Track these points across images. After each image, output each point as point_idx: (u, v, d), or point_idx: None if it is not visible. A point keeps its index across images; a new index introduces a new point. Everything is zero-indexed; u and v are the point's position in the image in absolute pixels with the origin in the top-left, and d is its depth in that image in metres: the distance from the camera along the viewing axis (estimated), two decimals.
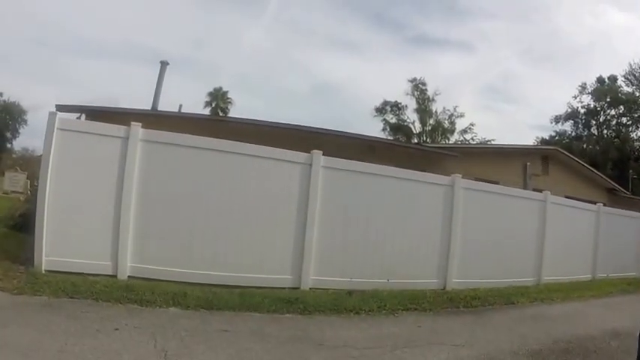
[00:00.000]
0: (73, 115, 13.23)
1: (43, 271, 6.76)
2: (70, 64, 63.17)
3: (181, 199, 7.58)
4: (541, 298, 9.95)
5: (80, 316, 5.48)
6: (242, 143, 8.06)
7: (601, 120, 52.73)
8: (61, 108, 12.09)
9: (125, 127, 7.34)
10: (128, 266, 7.19)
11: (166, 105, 22.87)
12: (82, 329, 5.06)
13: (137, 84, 54.12)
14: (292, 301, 7.05)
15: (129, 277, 7.13)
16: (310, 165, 8.36)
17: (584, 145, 50.11)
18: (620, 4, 78.26)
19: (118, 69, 64.63)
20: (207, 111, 44.87)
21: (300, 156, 8.42)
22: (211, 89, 48.99)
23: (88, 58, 63.22)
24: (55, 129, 6.99)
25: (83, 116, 13.71)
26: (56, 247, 6.90)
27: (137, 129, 7.36)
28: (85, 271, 6.84)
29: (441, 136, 51.74)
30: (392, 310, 7.46)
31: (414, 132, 52.33)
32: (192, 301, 6.48)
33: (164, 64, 22.74)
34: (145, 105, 20.63)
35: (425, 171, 10.55)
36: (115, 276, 7.04)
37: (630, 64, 50.55)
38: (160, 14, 65.35)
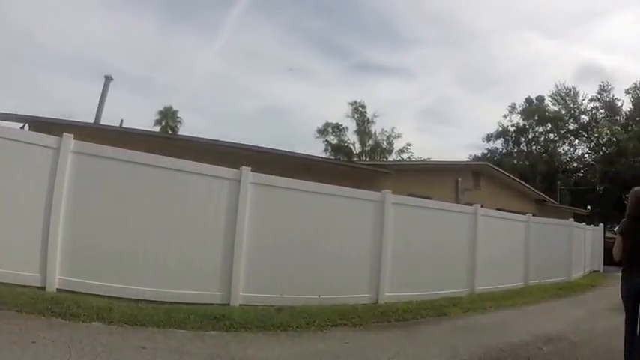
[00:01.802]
0: (18, 125, 12.64)
1: None
2: (30, 75, 61.74)
3: (111, 213, 7.30)
4: (474, 307, 9.95)
5: (0, 328, 5.18)
6: (172, 158, 7.89)
7: (529, 137, 54.88)
8: (4, 117, 11.86)
9: (57, 137, 7.05)
10: (57, 278, 6.83)
11: (118, 121, 23.20)
12: None
13: (93, 99, 53.67)
14: (219, 318, 6.77)
15: (57, 289, 6.77)
16: (239, 181, 8.20)
17: (515, 161, 51.78)
18: (546, 31, 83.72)
19: (73, 83, 63.62)
20: (157, 129, 44.42)
21: (229, 172, 8.26)
22: (162, 108, 48.47)
23: (45, 71, 62.25)
24: None
25: (27, 126, 13.08)
26: None
27: (69, 140, 7.07)
28: (12, 282, 6.49)
29: (380, 156, 52.87)
30: (321, 326, 7.22)
31: (354, 152, 53.15)
32: (117, 315, 6.18)
33: (108, 79, 23.07)
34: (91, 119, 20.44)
35: (360, 188, 10.50)
36: (43, 288, 6.70)
37: (556, 85, 52.97)
38: (116, 31, 65.18)
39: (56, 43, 63.91)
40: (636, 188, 5.98)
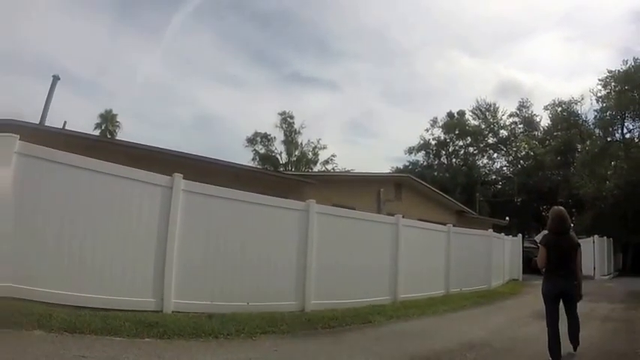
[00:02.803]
0: None
1: None
2: None
3: (51, 216, 6.99)
4: (397, 315, 10.18)
5: None
6: (112, 164, 7.71)
7: (450, 150, 57.01)
8: None
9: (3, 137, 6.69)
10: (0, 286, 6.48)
11: (61, 123, 21.62)
12: None
13: (37, 99, 51.15)
14: (152, 325, 6.68)
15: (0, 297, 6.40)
16: (171, 188, 8.14)
17: (435, 173, 53.49)
18: (469, 50, 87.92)
19: (21, 83, 60.65)
20: (97, 132, 43.50)
21: (162, 178, 8.16)
22: (103, 111, 47.31)
23: None
24: None
25: None
26: None
27: (14, 140, 6.68)
28: None
29: (305, 166, 53.62)
30: (250, 334, 7.24)
31: (281, 162, 53.76)
32: (57, 323, 5.98)
33: (55, 79, 22.01)
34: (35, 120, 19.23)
35: (287, 197, 10.71)
36: None
37: (477, 100, 55.74)
38: (62, 31, 62.77)
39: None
40: (556, 207, 7.33)
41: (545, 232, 7.25)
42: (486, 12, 78.12)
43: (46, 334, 5.71)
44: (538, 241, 8.32)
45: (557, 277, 6.75)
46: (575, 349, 6.93)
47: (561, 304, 6.84)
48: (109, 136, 41.16)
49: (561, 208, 7.30)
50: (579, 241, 7.15)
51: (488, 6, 78.67)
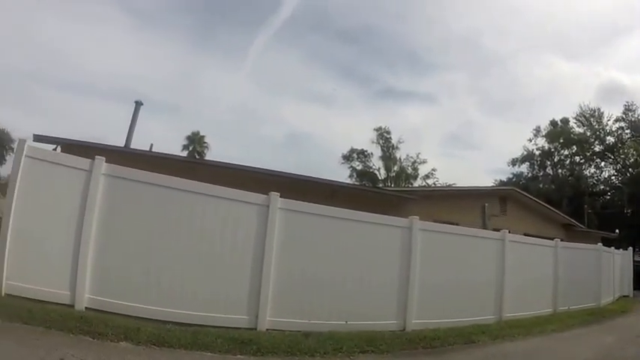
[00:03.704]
0: (51, 147, 12.83)
1: (3, 294, 6.64)
2: (61, 98, 63.86)
3: (143, 235, 7.44)
4: (502, 335, 9.81)
5: (29, 343, 5.36)
6: (206, 184, 8.02)
7: (555, 160, 54.51)
8: (38, 138, 12.20)
9: (90, 160, 7.28)
10: (86, 297, 7.00)
11: (147, 146, 23.46)
12: (27, 355, 5.00)
13: (121, 124, 55.12)
14: (246, 342, 6.78)
15: (86, 308, 6.91)
16: (268, 206, 8.25)
17: (541, 185, 51.36)
18: (567, 53, 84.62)
19: (105, 108, 65.53)
20: (184, 153, 45.00)
21: (258, 197, 8.31)
22: (189, 133, 49.40)
23: (78, 94, 64.43)
24: (24, 156, 6.96)
25: (59, 148, 13.39)
26: (17, 271, 6.74)
27: (101, 163, 7.29)
28: (43, 299, 6.67)
29: (405, 181, 53.00)
30: (348, 353, 7.19)
31: (380, 178, 53.53)
32: (144, 336, 6.24)
33: (138, 104, 23.26)
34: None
35: (386, 214, 10.46)
36: (72, 306, 6.84)
37: (580, 107, 52.74)
38: (144, 55, 67.08)
39: (86, 64, 65.23)
40: None
41: None
42: (581, 12, 76.26)
43: (132, 346, 5.95)
44: None
45: None
46: None
47: None
48: (197, 157, 42.50)
49: None
50: None
51: (582, 6, 76.55)
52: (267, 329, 7.81)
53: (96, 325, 6.22)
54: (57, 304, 6.69)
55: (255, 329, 7.71)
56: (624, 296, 21.40)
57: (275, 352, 6.75)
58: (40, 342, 5.40)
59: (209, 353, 6.27)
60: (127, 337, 6.12)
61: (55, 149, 13.11)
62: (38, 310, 6.30)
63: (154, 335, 6.33)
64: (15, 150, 7.23)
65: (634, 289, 22.76)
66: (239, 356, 6.42)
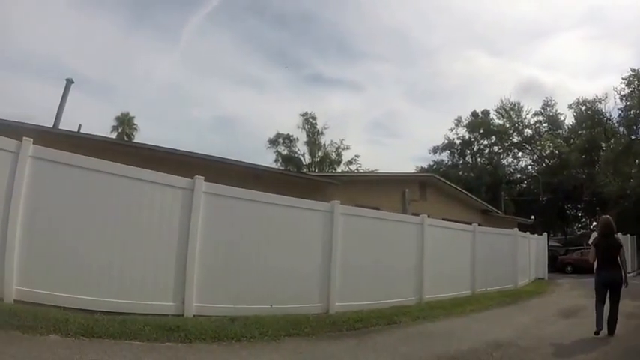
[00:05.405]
0: None
1: None
2: None
3: (69, 220, 7.02)
4: (423, 316, 10.10)
5: None
6: (132, 167, 7.74)
7: (475, 149, 56.33)
8: None
9: (17, 141, 6.70)
10: (14, 289, 6.46)
11: (76, 125, 21.62)
12: None
13: (52, 102, 51.66)
14: (173, 329, 6.63)
15: (14, 300, 6.42)
16: (192, 190, 8.10)
17: (460, 172, 52.91)
18: (490, 50, 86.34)
19: (33, 87, 61.48)
20: (114, 135, 43.66)
21: (182, 181, 8.13)
22: (119, 114, 47.95)
23: (4, 71, 59.93)
24: None
25: None
26: None
27: (28, 144, 6.74)
28: None
29: (329, 167, 53.21)
30: (274, 337, 7.19)
31: (304, 163, 53.47)
32: (74, 328, 5.96)
33: (69, 82, 21.77)
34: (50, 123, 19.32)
35: (310, 199, 10.60)
36: (1, 299, 6.35)
37: (501, 100, 54.44)
38: (75, 33, 63.53)
39: (14, 40, 61.42)
40: (604, 216, 9.60)
41: (595, 234, 9.68)
42: (507, 12, 77.47)
43: (62, 339, 5.70)
44: (590, 242, 10.90)
45: (605, 270, 8.72)
46: (611, 333, 8.43)
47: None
48: (125, 139, 41.43)
49: (608, 216, 9.46)
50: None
51: (509, 6, 77.95)
52: (194, 315, 7.70)
53: (25, 318, 5.88)
54: None
55: (183, 315, 7.58)
56: (540, 278, 22.67)
57: (202, 337, 6.65)
58: None
59: (137, 342, 6.09)
60: (57, 330, 5.85)
61: None
62: None
63: (82, 326, 6.07)
64: None
65: (548, 271, 24.05)
66: (167, 343, 6.27)
